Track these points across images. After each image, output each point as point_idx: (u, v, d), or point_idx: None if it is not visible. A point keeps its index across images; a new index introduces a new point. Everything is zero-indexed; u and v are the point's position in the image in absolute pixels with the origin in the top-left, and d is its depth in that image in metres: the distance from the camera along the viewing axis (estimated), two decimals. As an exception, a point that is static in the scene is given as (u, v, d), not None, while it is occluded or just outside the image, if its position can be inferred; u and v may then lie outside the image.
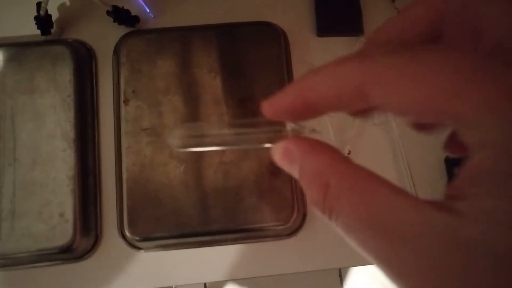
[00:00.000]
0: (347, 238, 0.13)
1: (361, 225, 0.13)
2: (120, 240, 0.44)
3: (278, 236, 0.44)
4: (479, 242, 0.11)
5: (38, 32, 0.46)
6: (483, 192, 0.11)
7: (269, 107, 0.16)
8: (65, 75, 0.45)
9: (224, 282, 1.38)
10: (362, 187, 0.13)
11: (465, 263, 0.11)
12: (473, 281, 0.11)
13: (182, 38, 0.46)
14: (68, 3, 0.49)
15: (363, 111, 0.17)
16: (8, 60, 0.45)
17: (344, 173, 0.14)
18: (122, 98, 0.45)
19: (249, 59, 0.46)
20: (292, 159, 0.16)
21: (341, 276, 1.40)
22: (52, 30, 0.46)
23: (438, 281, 0.11)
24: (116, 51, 0.47)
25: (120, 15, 0.45)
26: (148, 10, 0.48)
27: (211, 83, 0.45)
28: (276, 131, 0.18)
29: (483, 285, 0.10)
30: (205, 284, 1.37)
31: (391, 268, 0.12)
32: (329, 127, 0.45)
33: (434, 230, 0.11)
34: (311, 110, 0.15)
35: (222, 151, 0.44)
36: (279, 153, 0.16)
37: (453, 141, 0.17)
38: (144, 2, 0.47)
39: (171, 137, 0.18)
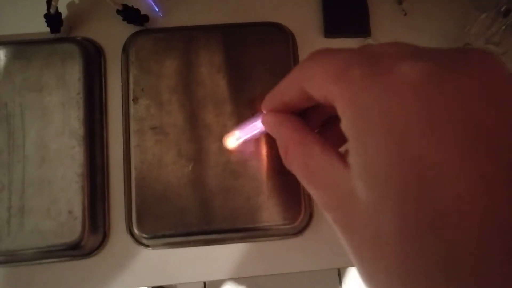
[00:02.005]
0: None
1: (305, 180, 0.18)
2: (128, 238, 0.44)
3: (284, 235, 0.45)
4: (357, 190, 0.15)
5: (48, 29, 0.46)
6: (354, 147, 0.15)
7: (264, 106, 0.22)
8: (74, 73, 0.45)
9: (224, 281, 1.38)
10: (305, 150, 0.18)
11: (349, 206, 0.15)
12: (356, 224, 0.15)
13: (191, 38, 0.46)
14: (77, 1, 0.49)
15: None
16: (17, 58, 0.45)
17: (298, 141, 0.19)
18: (131, 97, 0.45)
19: (257, 60, 0.46)
20: (272, 128, 0.22)
21: (340, 275, 1.41)
22: (62, 28, 0.46)
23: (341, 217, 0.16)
24: (125, 50, 0.47)
25: (130, 14, 0.46)
26: (157, 10, 0.48)
27: (220, 83, 0.45)
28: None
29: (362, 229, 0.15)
30: (204, 283, 1.38)
31: (321, 207, 0.17)
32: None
33: (335, 180, 0.16)
34: (290, 108, 0.21)
35: (230, 151, 0.44)
36: (265, 123, 0.23)
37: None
38: (154, 2, 0.47)
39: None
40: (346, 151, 0.16)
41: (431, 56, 0.14)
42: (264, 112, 0.22)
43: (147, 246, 0.44)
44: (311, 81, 0.17)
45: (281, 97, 0.20)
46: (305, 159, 0.18)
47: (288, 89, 0.19)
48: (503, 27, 0.45)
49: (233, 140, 0.29)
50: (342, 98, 0.15)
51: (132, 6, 0.46)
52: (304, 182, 0.18)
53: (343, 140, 0.19)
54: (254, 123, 0.26)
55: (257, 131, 0.26)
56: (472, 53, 0.14)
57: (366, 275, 0.15)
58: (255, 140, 0.45)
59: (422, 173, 0.13)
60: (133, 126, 0.44)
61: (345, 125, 0.15)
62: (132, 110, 0.45)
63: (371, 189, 0.14)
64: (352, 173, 0.15)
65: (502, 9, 0.45)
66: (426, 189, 0.13)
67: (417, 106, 0.13)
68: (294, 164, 0.18)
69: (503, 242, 0.12)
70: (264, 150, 0.44)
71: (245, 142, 0.29)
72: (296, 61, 0.47)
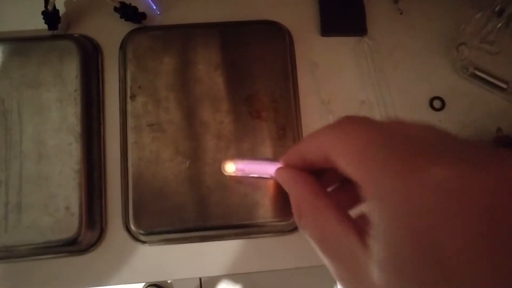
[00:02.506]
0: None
1: (319, 247, 0.18)
2: (125, 234, 0.45)
3: (280, 231, 0.45)
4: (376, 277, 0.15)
5: (45, 26, 0.46)
6: (377, 237, 0.15)
7: (284, 160, 0.23)
8: (72, 69, 0.45)
9: (220, 278, 1.39)
10: (319, 215, 0.18)
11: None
12: None
13: (188, 36, 0.47)
14: (75, -1, 0.49)
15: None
16: (15, 54, 0.45)
17: (311, 203, 0.19)
18: (128, 94, 0.45)
19: (254, 58, 0.47)
20: (286, 183, 0.22)
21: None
22: (59, 25, 0.47)
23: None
24: (123, 47, 0.47)
25: (127, 12, 0.46)
26: (154, 7, 0.48)
27: (217, 81, 0.46)
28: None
29: None
30: (200, 279, 1.38)
31: (334, 276, 0.17)
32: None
33: (351, 256, 0.16)
34: (309, 167, 0.21)
35: (226, 147, 0.44)
36: (279, 175, 0.23)
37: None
38: (151, -1, 0.48)
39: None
40: (366, 226, 0.16)
41: (463, 156, 0.15)
42: (281, 164, 0.23)
43: (143, 242, 0.45)
44: (336, 154, 0.18)
45: (304, 155, 0.21)
46: (320, 226, 0.18)
47: (313, 151, 0.20)
48: (498, 26, 0.46)
49: (233, 168, 0.30)
50: (369, 185, 0.15)
51: (130, 3, 0.46)
52: (317, 248, 0.18)
53: (356, 201, 0.21)
54: (266, 167, 0.27)
55: (266, 175, 0.28)
56: (500, 153, 0.15)
57: None
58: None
59: (443, 273, 0.13)
60: (130, 123, 0.45)
61: (369, 209, 0.15)
62: (129, 107, 0.45)
63: (389, 279, 0.14)
64: (370, 256, 0.15)
65: (497, 8, 0.46)
66: (447, 283, 0.13)
67: (446, 208, 0.13)
68: (308, 228, 0.18)
69: None
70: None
71: (247, 175, 0.30)
72: (292, 58, 0.48)
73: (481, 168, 0.14)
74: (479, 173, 0.14)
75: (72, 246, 0.43)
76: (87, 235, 0.43)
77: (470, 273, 0.13)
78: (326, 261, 0.17)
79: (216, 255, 0.45)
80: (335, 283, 1.40)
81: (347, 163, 0.17)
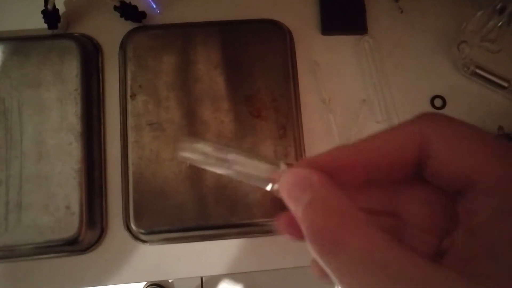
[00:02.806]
0: (338, 275, 0.13)
1: (363, 268, 0.12)
2: (125, 233, 0.44)
3: (281, 231, 0.45)
4: None
5: (45, 26, 0.46)
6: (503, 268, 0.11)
7: (306, 162, 0.15)
8: (72, 69, 0.45)
9: (221, 277, 1.39)
10: (364, 233, 0.12)
11: None
12: None
13: (188, 35, 0.47)
14: (75, -2, 0.49)
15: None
16: (15, 54, 0.45)
17: (347, 213, 0.13)
18: (128, 93, 0.45)
19: (254, 57, 0.46)
20: (304, 187, 0.14)
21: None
22: (59, 25, 0.46)
23: None
24: (123, 46, 0.47)
25: (127, 11, 0.46)
26: (154, 6, 0.48)
27: (217, 80, 0.46)
28: (273, 167, 0.17)
29: None
30: (201, 280, 1.38)
31: None
32: (332, 125, 0.46)
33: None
34: (367, 172, 0.15)
35: (227, 147, 0.44)
36: (291, 178, 0.15)
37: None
38: (151, -2, 0.48)
39: (178, 148, 0.18)
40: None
41: None
42: (298, 167, 0.15)
43: (144, 241, 0.45)
44: (440, 141, 0.14)
45: (369, 154, 0.15)
46: (366, 246, 0.12)
47: (392, 143, 0.14)
48: (499, 24, 0.46)
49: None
50: (486, 175, 0.12)
51: (130, 2, 0.46)
52: (360, 268, 0.12)
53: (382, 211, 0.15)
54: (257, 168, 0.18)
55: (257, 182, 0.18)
56: None
57: None
58: None
59: None
60: (130, 122, 0.45)
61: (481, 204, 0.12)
62: (129, 106, 0.45)
63: None
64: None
65: (498, 6, 0.46)
66: None
67: None
68: (348, 244, 0.12)
69: None
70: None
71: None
72: (293, 57, 0.48)
73: None
74: None
75: (73, 246, 0.43)
76: (88, 234, 0.43)
77: None
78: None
79: (216, 254, 0.45)
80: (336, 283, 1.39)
81: (454, 150, 0.13)
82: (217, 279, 1.40)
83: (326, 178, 0.14)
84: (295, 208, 0.15)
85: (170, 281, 1.38)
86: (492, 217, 0.12)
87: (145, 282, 1.38)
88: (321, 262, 0.13)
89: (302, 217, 0.14)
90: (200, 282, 1.40)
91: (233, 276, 1.39)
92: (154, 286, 1.37)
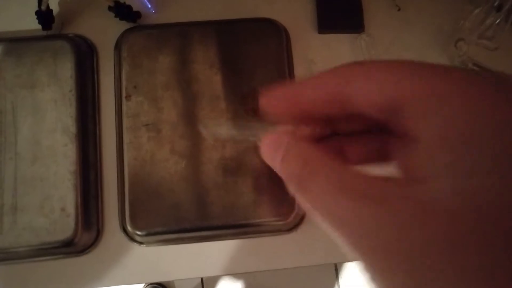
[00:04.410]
0: (314, 204, 0.14)
1: (334, 189, 0.14)
2: (122, 235, 0.44)
3: (278, 231, 0.45)
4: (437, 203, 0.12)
5: (39, 27, 0.46)
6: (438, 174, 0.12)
7: (266, 101, 0.17)
8: (66, 70, 0.45)
9: (222, 277, 1.38)
10: (333, 165, 0.15)
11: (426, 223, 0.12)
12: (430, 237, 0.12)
13: (183, 34, 0.46)
14: (69, -2, 0.49)
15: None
16: (9, 55, 0.45)
17: (317, 155, 0.15)
18: (123, 94, 0.45)
19: (250, 56, 0.46)
20: (277, 147, 0.17)
21: (336, 270, 1.41)
22: (53, 25, 0.46)
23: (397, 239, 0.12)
24: (118, 47, 0.47)
25: (122, 11, 0.45)
26: (149, 6, 0.48)
27: (212, 79, 0.45)
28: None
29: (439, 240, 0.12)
30: (202, 279, 1.38)
31: (348, 229, 0.13)
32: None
33: (403, 195, 0.12)
34: (299, 116, 0.17)
35: (223, 147, 0.44)
36: (268, 142, 0.18)
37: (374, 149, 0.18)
38: (146, -2, 0.47)
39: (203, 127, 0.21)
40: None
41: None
42: (262, 104, 0.18)
43: (140, 243, 0.44)
44: (363, 80, 0.14)
45: (300, 97, 0.16)
46: (336, 172, 0.14)
47: (316, 89, 0.16)
48: (496, 22, 0.45)
49: (217, 131, 0.24)
50: (419, 101, 0.13)
51: (124, 2, 0.46)
52: (332, 191, 0.14)
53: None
54: (252, 130, 0.21)
55: (252, 138, 0.21)
56: None
57: None
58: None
59: None
60: (126, 123, 0.44)
61: (416, 127, 0.13)
62: (124, 107, 0.45)
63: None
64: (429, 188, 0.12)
65: (495, 3, 0.45)
66: None
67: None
68: (319, 174, 0.14)
69: None
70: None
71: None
72: (289, 56, 0.47)
73: None
74: None
75: (69, 248, 0.43)
76: (84, 236, 0.43)
77: None
78: (339, 213, 0.13)
79: (213, 255, 0.45)
80: (337, 279, 1.39)
81: (379, 87, 0.14)
82: (217, 277, 1.40)
83: (294, 138, 0.17)
84: (274, 163, 0.17)
85: (170, 280, 1.38)
86: (422, 125, 0.13)
87: (142, 284, 1.38)
88: (298, 199, 0.15)
89: (279, 169, 0.16)
90: (200, 280, 1.40)
91: (232, 276, 1.39)
92: (154, 285, 1.37)
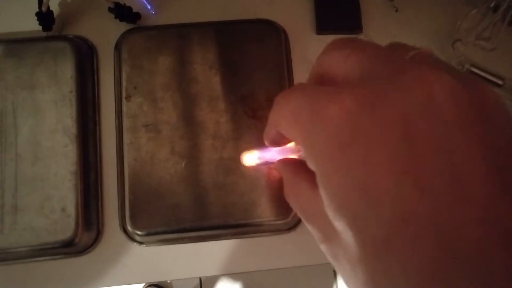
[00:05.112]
0: None
1: (300, 214, 0.19)
2: (122, 235, 0.44)
3: (278, 230, 0.45)
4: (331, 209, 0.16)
5: (40, 28, 0.46)
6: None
7: (267, 140, 0.23)
8: (67, 71, 0.45)
9: (220, 278, 1.38)
10: (296, 188, 0.19)
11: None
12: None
13: (183, 35, 0.46)
14: (69, -1, 0.49)
15: None
16: (9, 56, 0.45)
17: (291, 180, 0.20)
18: (123, 94, 0.45)
19: (249, 56, 0.46)
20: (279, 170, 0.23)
21: (335, 271, 1.41)
22: (54, 26, 0.46)
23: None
24: (118, 48, 0.47)
25: (122, 12, 0.46)
26: (149, 7, 0.48)
27: (212, 80, 0.46)
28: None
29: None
30: (200, 280, 1.38)
31: (316, 239, 0.18)
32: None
33: (321, 213, 0.17)
34: (281, 144, 0.23)
35: (222, 147, 0.44)
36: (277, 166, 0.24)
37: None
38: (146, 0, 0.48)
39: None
40: None
41: (366, 84, 0.15)
42: (266, 142, 0.24)
43: (140, 243, 0.45)
44: (280, 125, 0.19)
45: (270, 138, 0.22)
46: (297, 196, 0.19)
47: (270, 132, 0.21)
48: (493, 22, 0.46)
49: (252, 159, 0.31)
50: (300, 140, 0.17)
51: (124, 3, 0.46)
52: (300, 216, 0.20)
53: None
54: (274, 152, 0.28)
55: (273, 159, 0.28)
56: (409, 72, 0.15)
57: None
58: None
59: (369, 199, 0.14)
60: (126, 123, 0.45)
61: (308, 162, 0.17)
62: (125, 108, 0.45)
63: (336, 218, 0.15)
64: (325, 205, 0.16)
65: (492, 4, 0.46)
66: (373, 210, 0.14)
67: (352, 137, 0.14)
68: (290, 200, 0.20)
69: (454, 260, 0.12)
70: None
71: (262, 165, 0.30)
72: (288, 57, 0.48)
73: (384, 93, 0.15)
74: (382, 99, 0.15)
75: (69, 248, 0.43)
76: (84, 236, 0.43)
77: (398, 204, 0.13)
78: (308, 226, 0.19)
79: (213, 255, 0.45)
80: (335, 278, 1.40)
81: (286, 131, 0.18)
82: (215, 278, 1.40)
83: (284, 161, 0.23)
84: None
85: (168, 281, 1.38)
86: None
87: (142, 284, 1.38)
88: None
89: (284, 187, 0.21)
90: (199, 281, 1.40)
91: (232, 276, 1.39)
92: (153, 286, 1.37)
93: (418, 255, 0.13)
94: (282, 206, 0.43)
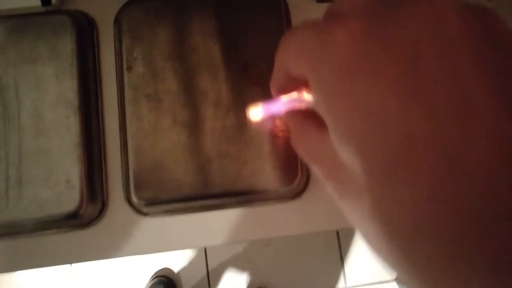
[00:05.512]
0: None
1: (307, 160, 0.19)
2: (127, 207, 0.44)
3: (282, 198, 0.45)
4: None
5: (39, 3, 0.46)
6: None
7: (274, 88, 0.23)
8: (67, 44, 0.45)
9: (227, 267, 1.39)
10: (305, 135, 0.20)
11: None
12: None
13: (183, 5, 0.46)
14: (67, -26, 0.49)
15: None
16: (10, 31, 0.45)
17: (300, 128, 0.20)
18: (125, 66, 0.45)
19: (249, 25, 0.46)
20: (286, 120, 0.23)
21: (339, 239, 1.41)
22: (53, 1, 0.46)
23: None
24: (117, 20, 0.47)
25: (120, -17, 0.46)
26: (147, -21, 0.48)
27: (212, 49, 0.45)
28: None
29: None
30: (208, 272, 1.38)
31: (323, 180, 0.18)
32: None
33: (327, 152, 0.17)
34: (290, 90, 0.22)
35: (225, 115, 0.44)
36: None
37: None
38: (144, -29, 0.47)
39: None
40: None
41: (375, 9, 0.15)
42: (273, 90, 0.24)
43: (145, 214, 0.45)
44: (288, 63, 0.19)
45: (277, 83, 0.22)
46: (305, 140, 0.19)
47: (278, 76, 0.21)
48: None
49: (258, 113, 0.31)
50: (308, 71, 0.17)
51: (123, -25, 0.46)
52: (309, 164, 0.20)
53: None
54: (276, 105, 0.28)
55: (279, 111, 0.28)
56: None
57: (361, 233, 0.16)
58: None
59: (376, 123, 0.14)
60: (128, 94, 0.45)
61: (315, 93, 0.17)
62: (126, 79, 0.45)
63: (343, 147, 0.15)
64: (331, 138, 0.16)
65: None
66: (379, 132, 0.14)
67: (360, 61, 0.14)
68: (297, 146, 0.21)
69: (457, 177, 0.13)
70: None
71: (268, 119, 0.30)
72: (288, 26, 0.47)
73: (384, 19, 0.15)
74: (384, 23, 0.15)
75: (74, 220, 0.43)
76: (89, 208, 0.43)
77: (403, 124, 0.13)
78: (314, 169, 0.19)
79: (218, 224, 0.45)
80: (338, 248, 1.40)
81: (294, 68, 0.18)
82: (222, 270, 1.40)
83: (291, 112, 0.22)
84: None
85: (175, 272, 1.38)
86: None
87: (151, 274, 1.39)
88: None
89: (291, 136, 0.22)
90: (206, 272, 1.40)
91: (239, 265, 1.39)
92: (160, 278, 1.37)
93: (424, 175, 0.13)
94: (286, 173, 0.43)
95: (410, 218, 0.13)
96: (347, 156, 0.15)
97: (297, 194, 0.45)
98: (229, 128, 0.44)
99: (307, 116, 0.20)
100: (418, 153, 0.13)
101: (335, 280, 1.40)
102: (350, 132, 0.15)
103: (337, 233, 1.40)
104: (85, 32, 0.47)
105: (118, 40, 0.46)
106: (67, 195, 0.42)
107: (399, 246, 0.14)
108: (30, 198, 0.42)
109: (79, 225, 0.44)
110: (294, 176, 0.43)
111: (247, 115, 0.30)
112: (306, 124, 0.20)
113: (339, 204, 0.17)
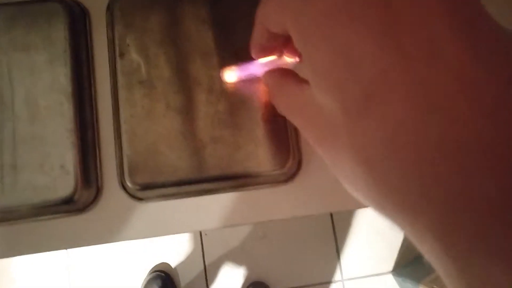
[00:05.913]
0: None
1: (289, 115, 0.20)
2: (121, 192, 0.45)
3: (275, 182, 0.45)
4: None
5: (31, -10, 0.46)
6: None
7: (252, 54, 0.25)
8: (60, 31, 0.45)
9: (224, 262, 1.39)
10: (286, 91, 0.21)
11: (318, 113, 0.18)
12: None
13: (175, -8, 0.47)
14: (59, -37, 0.49)
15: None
16: (2, 19, 0.45)
17: (280, 85, 0.22)
18: (117, 53, 0.45)
19: (241, 11, 0.47)
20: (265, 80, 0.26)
21: (333, 223, 1.42)
22: (45, -11, 0.46)
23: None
24: (110, 8, 0.47)
25: (112, -30, 0.46)
26: (139, -33, 0.48)
27: (205, 35, 0.46)
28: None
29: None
30: (205, 267, 1.39)
31: (302, 132, 0.19)
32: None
33: (306, 102, 0.19)
34: (272, 49, 0.24)
35: (217, 101, 0.45)
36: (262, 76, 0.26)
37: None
38: (136, -41, 0.48)
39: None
40: None
41: None
42: (252, 46, 0.25)
43: (140, 199, 0.45)
44: (269, 20, 0.20)
45: (258, 43, 0.23)
46: (284, 94, 0.21)
47: (259, 35, 0.22)
48: None
49: (232, 75, 0.33)
50: (289, 23, 0.18)
51: (115, -37, 0.46)
52: (289, 118, 0.21)
53: None
54: (254, 67, 0.30)
55: (256, 74, 0.29)
56: None
57: (339, 175, 0.17)
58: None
59: (350, 63, 0.15)
60: (121, 80, 0.45)
61: (296, 44, 0.18)
62: (119, 66, 0.45)
63: (322, 90, 0.16)
64: (311, 86, 0.17)
65: None
66: (355, 71, 0.15)
67: (338, 5, 0.15)
68: (277, 101, 0.21)
69: (427, 112, 0.13)
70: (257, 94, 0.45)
71: (243, 81, 0.31)
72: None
73: None
74: None
75: (69, 205, 0.43)
76: (84, 193, 0.44)
77: (379, 61, 0.14)
78: (296, 123, 0.20)
79: (213, 208, 0.45)
80: (332, 230, 1.41)
81: (275, 23, 0.20)
82: (220, 265, 1.41)
83: (272, 71, 0.24)
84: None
85: (173, 266, 1.39)
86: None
87: (149, 269, 1.39)
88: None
89: (270, 94, 0.23)
90: (203, 266, 1.41)
91: (235, 259, 1.40)
92: (158, 272, 1.38)
93: (394, 106, 0.14)
94: (278, 157, 0.44)
95: (382, 147, 0.14)
96: (325, 98, 0.16)
97: (290, 177, 0.46)
98: (221, 113, 0.44)
99: (286, 72, 0.21)
100: (390, 87, 0.14)
101: (332, 272, 1.41)
102: (329, 73, 0.16)
103: (333, 225, 1.41)
104: (78, 20, 0.47)
105: (111, 27, 0.46)
106: (62, 180, 0.43)
107: (372, 175, 0.14)
108: (25, 184, 0.43)
109: (75, 210, 0.45)
110: (286, 159, 0.44)
111: (221, 76, 0.32)
112: (285, 79, 0.21)
113: (319, 151, 0.18)
